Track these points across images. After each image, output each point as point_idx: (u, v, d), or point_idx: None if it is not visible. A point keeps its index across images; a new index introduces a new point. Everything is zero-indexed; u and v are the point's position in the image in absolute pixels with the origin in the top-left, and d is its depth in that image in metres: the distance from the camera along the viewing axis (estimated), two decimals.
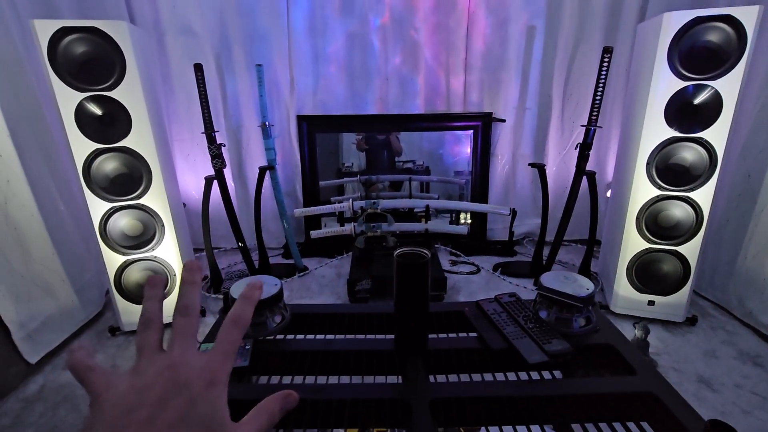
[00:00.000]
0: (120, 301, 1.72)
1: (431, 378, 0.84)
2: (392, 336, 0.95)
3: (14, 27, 1.61)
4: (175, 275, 1.78)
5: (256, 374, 0.87)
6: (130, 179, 1.63)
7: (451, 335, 0.99)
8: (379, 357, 0.90)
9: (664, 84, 1.57)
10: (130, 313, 1.75)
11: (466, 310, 1.03)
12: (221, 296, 2.06)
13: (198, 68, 1.83)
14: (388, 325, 1.03)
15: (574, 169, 1.96)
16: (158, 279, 0.38)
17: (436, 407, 0.75)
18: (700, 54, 1.50)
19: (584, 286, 0.95)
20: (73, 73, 1.48)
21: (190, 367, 0.32)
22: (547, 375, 0.86)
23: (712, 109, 1.53)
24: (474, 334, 0.95)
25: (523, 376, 0.85)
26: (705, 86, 1.52)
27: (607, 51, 1.74)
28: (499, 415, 0.76)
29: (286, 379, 0.87)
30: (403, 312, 0.89)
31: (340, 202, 2.58)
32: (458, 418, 0.76)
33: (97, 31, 1.47)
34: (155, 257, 1.74)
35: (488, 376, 0.86)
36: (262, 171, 2.16)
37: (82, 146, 1.55)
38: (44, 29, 1.41)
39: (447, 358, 0.90)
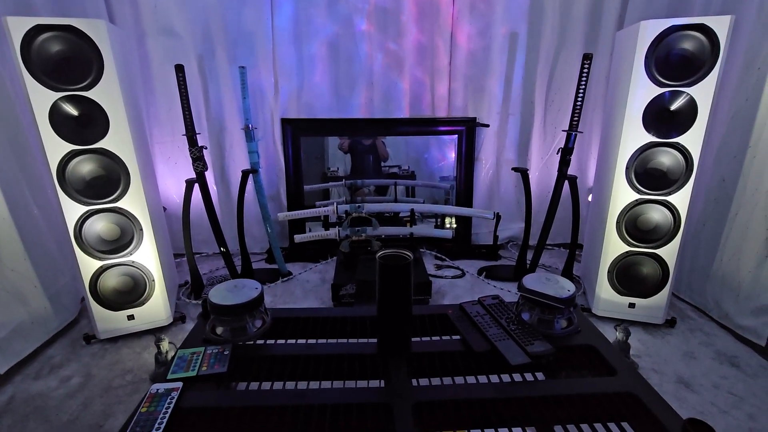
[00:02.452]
0: (96, 308, 1.67)
1: (414, 381, 0.83)
2: (375, 339, 0.94)
3: None
4: (153, 280, 1.73)
5: (235, 380, 0.84)
6: (108, 182, 1.59)
7: (434, 338, 0.98)
8: (362, 361, 0.89)
9: (642, 90, 1.60)
10: (106, 320, 1.69)
11: (449, 312, 1.03)
12: (201, 302, 2.01)
13: (179, 69, 1.80)
14: (371, 328, 1.02)
15: (557, 173, 1.99)
16: None
17: (419, 411, 0.74)
18: (676, 61, 1.54)
19: (565, 287, 0.96)
20: (48, 72, 1.43)
21: None
22: (529, 376, 0.86)
23: (688, 115, 1.57)
24: (457, 337, 0.95)
25: (506, 377, 0.84)
26: (680, 92, 1.56)
27: (587, 58, 1.77)
28: (482, 417, 0.75)
29: (266, 385, 0.85)
30: (386, 314, 0.88)
31: (324, 206, 2.56)
32: (441, 421, 0.75)
33: (74, 30, 1.43)
34: (133, 262, 1.69)
35: (471, 379, 0.86)
36: (245, 174, 2.13)
37: (56, 147, 1.50)
38: (17, 27, 1.37)
39: (430, 361, 0.89)
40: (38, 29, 1.39)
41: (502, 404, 0.75)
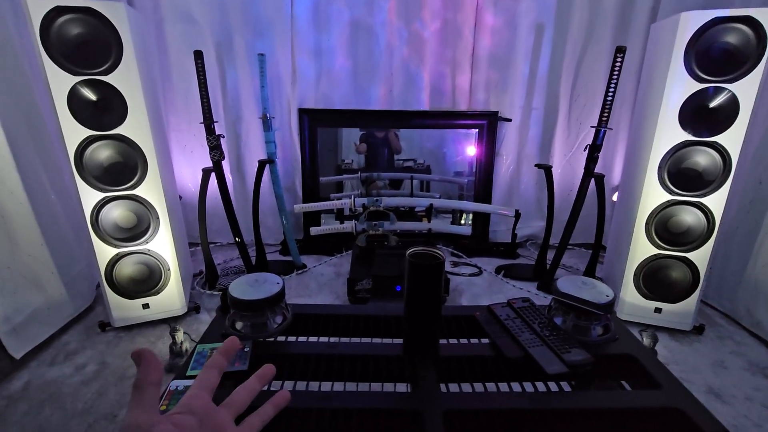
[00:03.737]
0: (111, 296, 1.65)
1: (443, 387, 0.79)
2: (400, 340, 0.90)
3: (6, 5, 1.53)
4: (168, 269, 1.72)
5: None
6: (125, 168, 1.57)
7: (462, 341, 0.94)
8: (388, 362, 0.85)
9: (680, 86, 1.52)
10: (121, 308, 1.68)
11: (477, 314, 0.98)
12: (216, 293, 1.99)
13: (198, 56, 1.76)
14: (395, 328, 0.98)
15: (581, 171, 1.91)
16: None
17: (450, 419, 0.70)
18: (718, 55, 1.46)
19: (603, 292, 0.91)
20: (67, 55, 1.41)
21: None
22: (565, 386, 0.81)
23: (728, 113, 1.49)
24: (486, 341, 0.91)
25: (541, 386, 0.80)
26: (721, 89, 1.48)
27: (620, 51, 1.69)
28: (518, 429, 0.71)
29: (288, 385, 0.81)
30: (414, 315, 0.84)
31: (340, 198, 2.52)
32: (474, 431, 0.71)
33: (94, 12, 1.40)
34: (149, 250, 1.67)
35: (503, 386, 0.81)
36: (262, 164, 2.10)
37: (74, 133, 1.47)
38: (37, 8, 1.34)
39: (459, 366, 0.84)
40: (58, 11, 1.37)
41: (538, 416, 0.71)
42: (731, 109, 1.48)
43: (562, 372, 0.77)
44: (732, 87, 1.47)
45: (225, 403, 0.45)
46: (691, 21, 1.46)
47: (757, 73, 1.43)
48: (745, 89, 1.46)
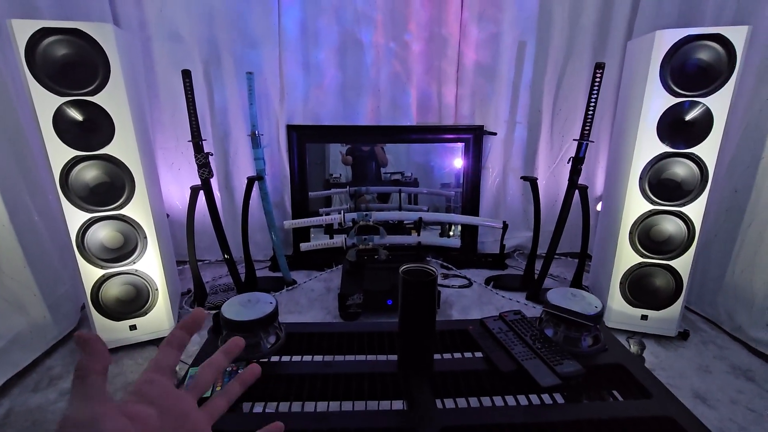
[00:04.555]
0: (97, 318, 1.62)
1: (438, 403, 0.80)
2: (395, 356, 0.90)
3: None
4: (156, 289, 1.69)
5: (252, 400, 0.80)
6: (112, 188, 1.55)
7: (456, 355, 0.95)
8: (383, 380, 0.85)
9: (657, 100, 1.59)
10: (107, 330, 1.64)
11: (470, 328, 0.99)
12: (206, 311, 1.96)
13: (186, 74, 1.76)
14: (389, 345, 0.98)
15: (565, 182, 1.97)
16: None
17: None
18: (692, 71, 1.53)
19: (592, 303, 0.93)
20: (53, 76, 1.40)
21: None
22: (558, 398, 0.83)
23: (703, 126, 1.56)
24: (480, 354, 0.92)
25: (535, 399, 0.81)
26: (696, 103, 1.54)
27: (600, 67, 1.76)
28: None
29: (284, 406, 0.81)
30: (408, 331, 0.84)
31: (328, 213, 2.52)
32: None
33: (80, 33, 1.40)
34: (136, 271, 1.65)
35: (498, 400, 0.82)
36: (251, 181, 2.09)
37: (60, 153, 1.46)
38: (22, 30, 1.34)
39: (454, 381, 0.85)
40: (44, 32, 1.36)
41: (534, 429, 0.72)
42: (706, 121, 1.55)
43: (556, 384, 0.78)
44: (706, 101, 1.53)
45: (188, 385, 0.39)
46: (665, 39, 1.53)
47: (728, 88, 1.50)
48: (718, 103, 1.52)
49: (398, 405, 0.82)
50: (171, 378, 0.37)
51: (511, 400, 0.81)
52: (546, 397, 0.81)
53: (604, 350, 0.91)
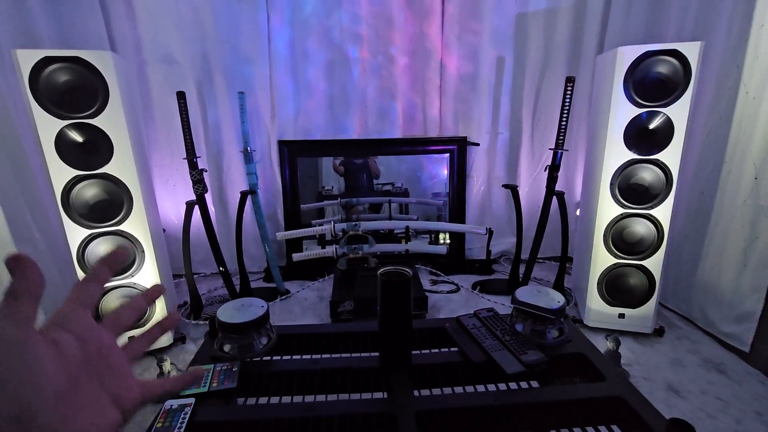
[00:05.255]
0: None
1: (416, 392, 0.88)
2: (377, 354, 0.98)
3: None
4: (154, 303, 1.76)
5: (245, 395, 0.88)
6: (111, 205, 1.63)
7: (434, 350, 1.03)
8: (365, 374, 0.93)
9: (622, 111, 1.70)
10: None
11: (447, 325, 1.08)
12: (201, 322, 2.03)
13: (181, 96, 1.86)
14: (372, 343, 1.06)
15: (545, 189, 2.07)
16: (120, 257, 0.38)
17: (422, 419, 0.78)
18: (652, 84, 1.65)
19: (555, 299, 1.02)
20: (55, 100, 1.49)
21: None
22: (524, 384, 0.91)
23: (666, 133, 1.67)
24: (455, 349, 1.00)
25: (503, 386, 0.89)
26: (658, 112, 1.66)
27: (570, 80, 1.88)
28: (482, 424, 0.80)
29: (275, 399, 0.88)
30: (387, 329, 0.93)
31: (321, 224, 2.61)
32: (443, 428, 0.79)
33: (81, 61, 1.49)
34: (134, 284, 1.72)
35: (470, 388, 0.90)
36: (244, 195, 2.18)
37: (61, 173, 1.54)
38: (27, 59, 1.43)
39: (431, 373, 0.93)
40: (46, 61, 1.46)
41: (500, 411, 0.80)
42: (668, 129, 1.66)
43: (520, 371, 0.86)
44: (667, 110, 1.65)
45: (107, 319, 0.37)
46: (627, 55, 1.65)
47: (686, 98, 1.62)
48: (677, 112, 1.64)
49: (379, 395, 0.89)
50: (90, 312, 0.36)
51: (481, 388, 0.89)
52: (514, 386, 0.89)
53: (567, 341, 0.99)
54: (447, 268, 2.59)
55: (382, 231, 2.68)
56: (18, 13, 1.82)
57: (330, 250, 2.27)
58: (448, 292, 2.33)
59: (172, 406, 0.81)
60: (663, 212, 1.73)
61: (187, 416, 0.78)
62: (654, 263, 1.78)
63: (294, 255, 2.27)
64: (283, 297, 2.30)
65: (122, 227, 1.66)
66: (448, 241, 2.75)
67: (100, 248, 1.65)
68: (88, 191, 1.60)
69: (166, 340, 1.82)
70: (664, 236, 1.74)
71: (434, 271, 2.59)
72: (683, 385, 1.54)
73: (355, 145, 2.59)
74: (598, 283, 1.86)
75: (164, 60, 2.27)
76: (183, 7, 2.22)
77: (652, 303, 1.81)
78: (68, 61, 1.48)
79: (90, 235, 1.62)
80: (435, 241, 2.81)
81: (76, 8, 2.00)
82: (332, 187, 2.88)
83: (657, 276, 1.78)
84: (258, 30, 2.31)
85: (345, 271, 2.19)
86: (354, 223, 2.24)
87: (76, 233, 1.60)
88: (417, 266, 2.60)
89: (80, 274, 1.63)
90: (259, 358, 0.99)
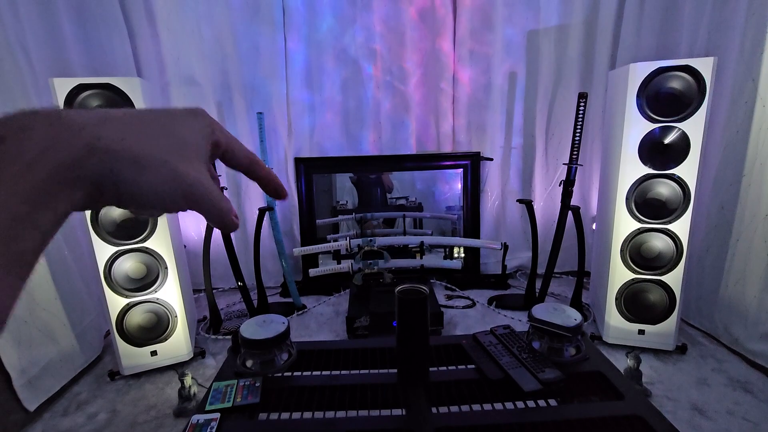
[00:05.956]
0: (121, 344, 1.73)
1: (434, 409, 0.89)
2: (394, 370, 1.00)
3: (30, 85, 1.72)
4: (176, 317, 1.81)
5: (268, 410, 0.90)
6: (137, 223, 1.70)
7: (450, 367, 1.04)
8: (384, 390, 0.94)
9: (636, 126, 1.70)
10: (130, 356, 1.76)
11: (463, 342, 1.09)
12: (221, 337, 2.07)
13: None
14: (390, 359, 1.08)
15: (560, 204, 2.07)
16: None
17: None
18: (666, 99, 1.65)
19: (572, 316, 1.02)
20: None
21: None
22: (541, 402, 0.91)
23: (681, 148, 1.66)
24: (472, 366, 1.01)
25: (520, 404, 0.89)
26: (672, 128, 1.66)
27: (582, 96, 1.89)
28: None
29: (296, 415, 0.90)
30: (405, 345, 0.94)
31: (336, 240, 2.65)
32: None
33: (112, 87, 1.58)
34: (157, 299, 1.77)
35: (487, 406, 0.91)
36: (262, 212, 2.24)
37: None
38: (62, 86, 1.52)
39: (448, 390, 0.94)
40: (80, 88, 1.54)
41: (517, 429, 0.80)
42: (683, 144, 1.66)
43: (537, 389, 0.87)
44: (682, 125, 1.65)
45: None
46: (639, 71, 1.66)
47: (701, 113, 1.61)
48: (693, 127, 1.63)
49: (398, 412, 0.91)
50: (239, 155, 0.34)
51: (498, 406, 0.90)
52: (531, 403, 0.89)
53: (585, 359, 0.99)
54: (462, 283, 2.59)
55: (396, 246, 2.70)
56: (53, 38, 1.94)
57: (345, 265, 2.30)
58: (464, 308, 2.32)
59: (198, 420, 0.83)
60: (681, 227, 1.71)
61: (213, 430, 0.81)
62: (674, 278, 1.76)
63: (310, 270, 2.30)
64: (300, 312, 2.33)
65: (147, 244, 1.72)
66: (462, 256, 2.75)
67: (126, 264, 1.71)
68: (116, 210, 1.66)
69: (186, 354, 1.86)
70: (683, 251, 1.72)
71: (449, 286, 2.59)
72: (709, 405, 1.50)
73: (370, 162, 2.63)
74: (616, 299, 1.84)
75: (187, 82, 2.37)
76: (205, 30, 2.32)
77: (673, 319, 1.77)
78: (100, 88, 1.57)
79: (117, 251, 1.68)
80: (449, 256, 2.81)
81: (105, 33, 2.12)
82: (346, 201, 2.92)
83: (677, 291, 1.75)
84: (276, 49, 2.40)
85: (360, 287, 2.21)
86: (369, 239, 2.27)
87: (104, 250, 1.67)
88: (432, 281, 2.61)
89: (107, 290, 1.69)
90: (280, 374, 1.01)
